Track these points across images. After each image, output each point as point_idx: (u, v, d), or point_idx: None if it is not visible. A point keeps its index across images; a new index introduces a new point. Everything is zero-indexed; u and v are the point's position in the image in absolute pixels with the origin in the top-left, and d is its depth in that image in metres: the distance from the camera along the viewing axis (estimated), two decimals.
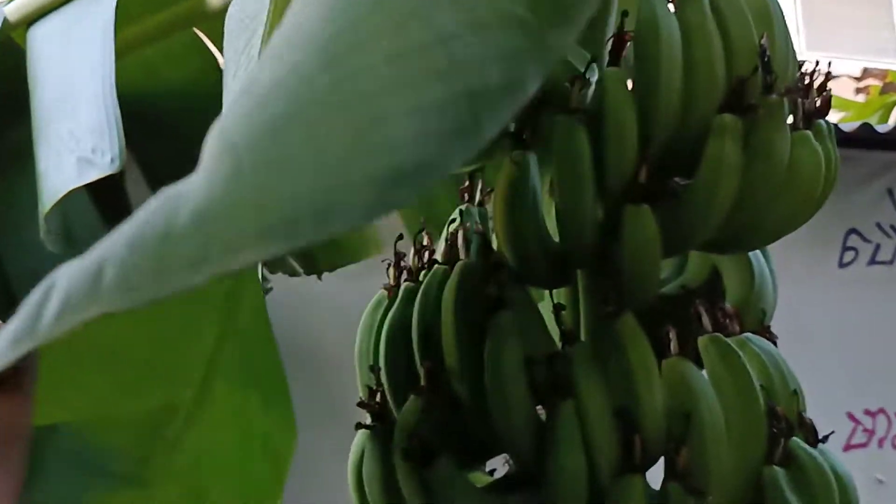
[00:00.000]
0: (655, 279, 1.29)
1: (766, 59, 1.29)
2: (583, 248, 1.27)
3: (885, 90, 4.97)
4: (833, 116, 5.66)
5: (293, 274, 3.19)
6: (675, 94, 1.27)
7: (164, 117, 2.93)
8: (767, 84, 1.29)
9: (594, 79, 1.29)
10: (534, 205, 1.27)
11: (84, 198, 2.37)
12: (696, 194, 1.27)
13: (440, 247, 1.45)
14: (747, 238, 1.36)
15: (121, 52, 2.65)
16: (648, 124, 1.25)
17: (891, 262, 4.82)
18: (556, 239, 1.31)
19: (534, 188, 1.28)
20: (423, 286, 1.36)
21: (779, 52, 1.33)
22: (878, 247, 4.81)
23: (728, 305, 1.37)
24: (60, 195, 2.06)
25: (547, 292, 1.41)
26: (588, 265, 1.31)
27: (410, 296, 1.39)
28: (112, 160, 2.04)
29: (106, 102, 2.17)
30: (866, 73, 5.09)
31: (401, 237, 1.48)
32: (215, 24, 2.86)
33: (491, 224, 1.39)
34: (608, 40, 1.26)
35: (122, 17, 2.54)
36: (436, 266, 1.37)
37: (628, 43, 1.26)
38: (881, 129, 4.57)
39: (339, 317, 3.82)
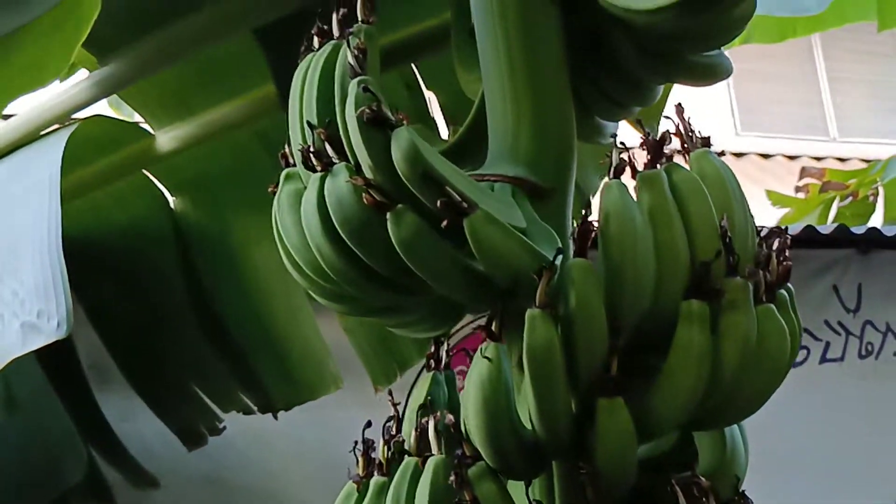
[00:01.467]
0: (632, 468, 1.26)
1: (727, 241, 1.29)
2: (558, 441, 1.24)
3: (823, 189, 5.15)
4: (775, 213, 5.79)
5: (247, 412, 3.11)
6: (643, 281, 1.26)
7: (109, 257, 2.88)
8: (731, 265, 1.29)
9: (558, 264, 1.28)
10: (507, 400, 1.25)
11: (28, 356, 2.28)
12: (668, 382, 1.26)
13: (409, 431, 1.41)
14: (720, 416, 1.35)
15: (69, 196, 2.62)
16: (617, 314, 1.25)
17: (841, 359, 4.88)
18: (530, 426, 1.28)
19: (506, 382, 1.26)
20: (394, 482, 1.31)
21: (738, 226, 1.35)
22: (827, 344, 4.87)
23: (702, 479, 1.35)
24: (3, 364, 1.99)
25: None
26: (563, 456, 1.28)
27: (381, 490, 1.34)
28: (59, 325, 1.98)
29: (52, 259, 2.11)
30: (805, 172, 5.29)
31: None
32: (164, 165, 2.86)
33: (461, 409, 1.35)
34: (572, 234, 1.26)
35: (71, 160, 2.52)
36: (406, 459, 1.32)
37: (592, 233, 1.25)
38: (823, 229, 4.68)
39: (299, 454, 3.74)
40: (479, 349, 1.27)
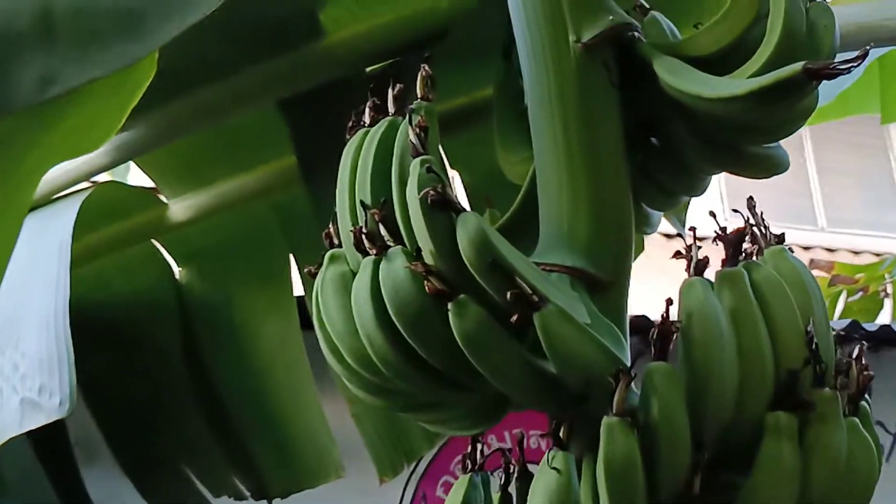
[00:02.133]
0: None
1: (814, 347, 1.20)
2: None
3: (832, 282, 5.12)
4: None
5: (239, 497, 2.94)
6: (727, 390, 1.16)
7: (108, 329, 2.76)
8: (818, 374, 1.19)
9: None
10: None
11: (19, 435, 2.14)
12: (753, 501, 1.15)
13: None
14: None
15: (75, 263, 2.51)
16: (701, 426, 1.14)
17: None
18: None
19: (576, 496, 1.15)
20: None
21: (821, 331, 1.26)
22: None
23: None
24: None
25: None
26: None
27: None
28: (61, 403, 1.84)
29: (58, 331, 1.99)
30: (812, 264, 5.26)
31: None
32: (174, 235, 2.77)
33: None
34: (653, 332, 1.16)
35: (82, 226, 2.42)
36: None
37: (674, 334, 1.16)
38: (836, 324, 4.63)
39: None
40: (545, 458, 1.17)
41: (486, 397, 1.38)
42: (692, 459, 1.12)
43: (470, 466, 1.56)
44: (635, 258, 2.36)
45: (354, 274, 1.38)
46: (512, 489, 1.58)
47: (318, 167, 2.39)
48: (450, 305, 1.20)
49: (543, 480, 1.14)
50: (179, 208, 2.58)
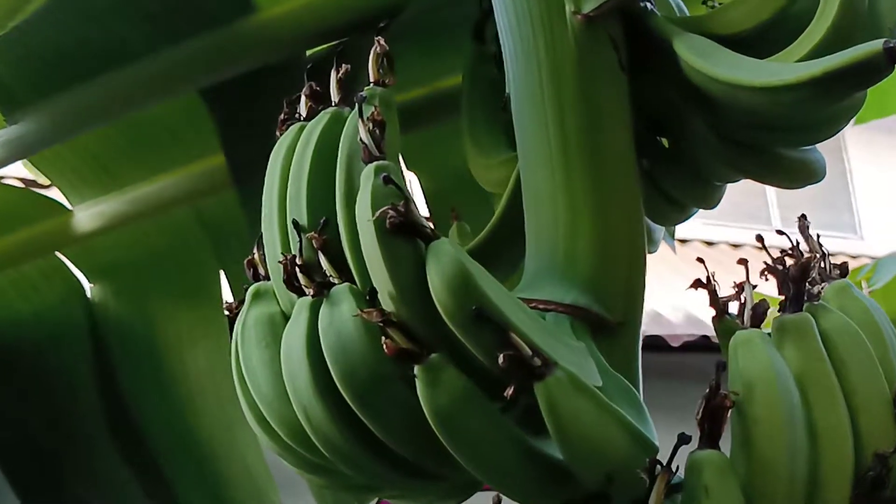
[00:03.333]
0: None
1: None
2: None
3: None
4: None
5: None
6: (798, 486, 0.84)
7: (6, 354, 2.38)
8: None
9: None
10: None
11: None
12: None
13: None
14: None
15: None
16: None
17: None
18: None
19: None
20: None
21: None
22: None
23: None
24: None
25: None
26: None
27: None
28: None
29: None
30: None
31: None
32: (83, 247, 2.39)
33: None
34: (700, 408, 0.84)
35: None
36: None
37: (728, 410, 0.83)
38: None
39: None
40: None
41: (460, 484, 1.05)
42: None
43: None
44: None
45: (286, 316, 1.04)
46: None
47: (250, 168, 2.02)
48: (417, 370, 0.87)
49: None
50: (87, 216, 2.20)
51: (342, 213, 0.97)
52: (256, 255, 1.12)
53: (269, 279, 1.09)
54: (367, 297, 0.90)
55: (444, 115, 1.83)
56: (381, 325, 0.88)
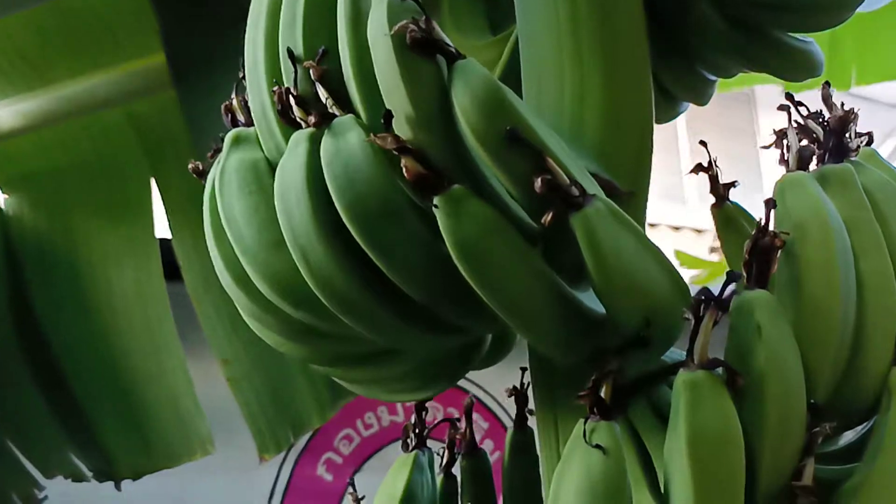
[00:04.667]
0: None
1: None
2: None
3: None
4: (685, 273, 5.56)
5: (77, 479, 2.39)
6: (847, 334, 0.79)
7: None
8: None
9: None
10: None
11: None
12: (877, 491, 0.78)
13: None
14: None
15: None
16: (816, 383, 0.76)
17: None
18: None
19: (628, 489, 0.75)
20: None
21: None
22: None
23: None
24: None
25: None
26: None
27: None
28: None
29: None
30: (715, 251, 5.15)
31: None
32: None
33: None
34: (749, 246, 0.77)
35: None
36: None
37: (778, 251, 0.77)
38: None
39: None
40: (580, 430, 0.76)
41: (463, 346, 0.97)
42: (806, 436, 0.74)
43: (413, 442, 1.15)
44: None
45: (272, 164, 0.93)
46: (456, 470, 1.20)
47: (192, 67, 1.90)
48: (437, 200, 0.77)
49: (582, 464, 0.74)
50: (5, 114, 2.02)
51: (347, 37, 0.87)
52: (234, 101, 1.00)
53: (248, 125, 0.98)
54: (383, 122, 0.80)
55: None
56: (397, 151, 0.78)
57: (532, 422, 1.26)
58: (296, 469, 3.35)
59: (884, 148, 9.50)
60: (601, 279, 0.76)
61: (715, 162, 1.06)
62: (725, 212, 1.05)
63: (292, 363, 2.17)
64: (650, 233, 0.94)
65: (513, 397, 1.20)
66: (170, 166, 2.10)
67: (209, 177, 0.98)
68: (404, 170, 0.77)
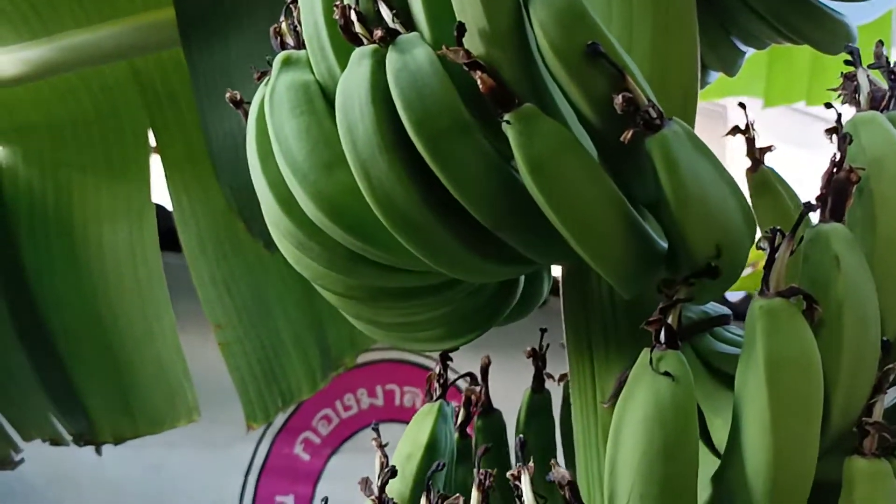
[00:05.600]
0: None
1: None
2: None
3: None
4: None
5: (56, 442, 2.33)
6: None
7: None
8: None
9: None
10: (695, 453, 0.72)
11: None
12: None
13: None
14: None
15: None
16: (889, 319, 0.75)
17: None
18: None
19: (696, 421, 0.73)
20: None
21: None
22: None
23: None
24: None
25: None
26: None
27: None
28: None
29: None
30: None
31: None
32: None
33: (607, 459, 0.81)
34: (826, 181, 0.76)
35: None
36: None
37: (854, 185, 0.76)
38: (732, 296, 4.45)
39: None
40: (646, 358, 0.74)
41: (497, 293, 0.95)
42: (880, 370, 0.73)
43: (438, 392, 1.13)
44: None
45: (323, 88, 0.90)
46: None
47: (202, 23, 1.86)
48: (510, 116, 0.75)
49: (648, 390, 0.72)
50: (7, 60, 1.96)
51: None
52: (284, 24, 0.97)
53: (297, 48, 0.95)
54: (456, 35, 0.78)
55: None
56: (468, 66, 0.76)
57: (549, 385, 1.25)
58: (273, 447, 3.31)
59: None
60: (678, 203, 0.74)
61: (752, 125, 1.05)
62: (762, 175, 1.04)
63: (285, 332, 2.13)
64: None
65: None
66: (170, 125, 2.06)
67: (256, 98, 0.95)
68: (480, 80, 0.75)
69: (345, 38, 0.85)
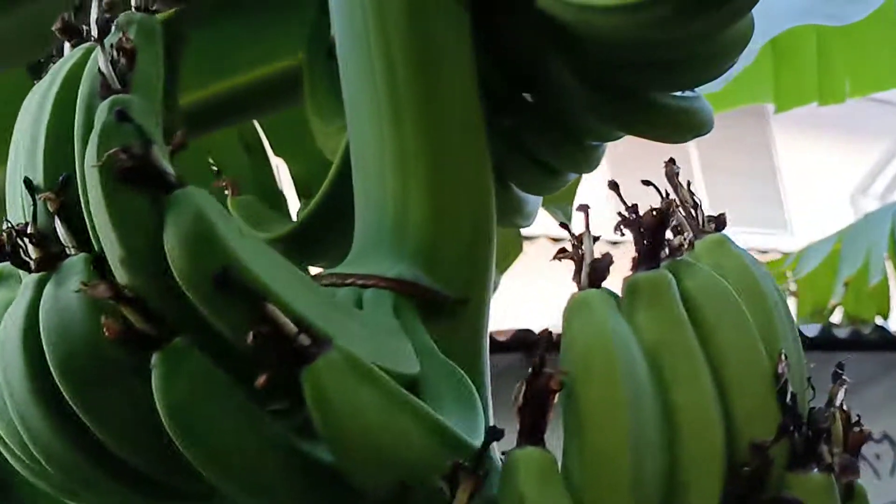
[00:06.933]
0: None
1: (789, 400, 0.72)
2: None
3: None
4: None
5: None
6: (649, 489, 0.65)
7: None
8: (801, 446, 0.70)
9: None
10: None
11: None
12: None
13: None
14: None
15: None
16: None
17: None
18: None
19: None
20: None
21: (795, 369, 0.76)
22: None
23: None
24: None
25: None
26: None
27: None
28: None
29: None
30: None
31: None
32: None
33: None
34: (518, 392, 0.64)
35: None
36: None
37: (555, 393, 0.64)
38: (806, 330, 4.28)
39: None
40: None
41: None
42: None
43: None
44: (510, 263, 1.83)
45: None
46: None
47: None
48: (155, 358, 0.65)
49: None
50: None
51: (81, 165, 0.76)
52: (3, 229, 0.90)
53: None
54: (94, 267, 0.69)
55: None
56: (112, 300, 0.67)
57: None
58: None
59: None
60: (334, 444, 0.63)
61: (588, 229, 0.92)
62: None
63: None
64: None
65: None
66: None
67: None
68: (105, 327, 0.65)
69: (13, 265, 0.77)
